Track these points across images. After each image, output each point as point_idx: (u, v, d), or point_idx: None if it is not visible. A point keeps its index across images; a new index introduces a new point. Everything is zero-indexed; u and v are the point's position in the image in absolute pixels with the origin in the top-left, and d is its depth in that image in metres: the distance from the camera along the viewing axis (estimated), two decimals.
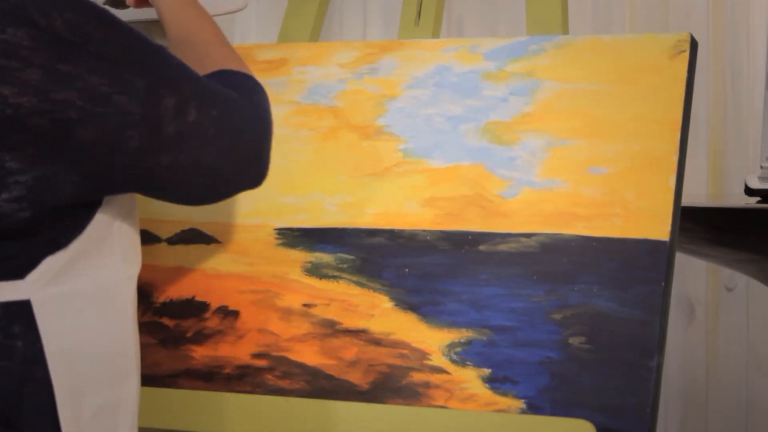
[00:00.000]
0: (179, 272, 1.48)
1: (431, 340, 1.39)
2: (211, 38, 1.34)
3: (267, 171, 1.24)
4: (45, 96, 1.08)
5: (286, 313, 1.45)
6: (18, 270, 1.12)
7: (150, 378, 1.46)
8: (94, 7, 1.13)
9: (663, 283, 1.33)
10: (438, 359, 1.38)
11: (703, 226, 1.81)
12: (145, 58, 1.14)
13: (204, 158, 1.17)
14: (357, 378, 1.39)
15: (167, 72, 1.16)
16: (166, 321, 1.47)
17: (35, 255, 1.13)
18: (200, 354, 1.46)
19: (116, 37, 1.13)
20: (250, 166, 1.21)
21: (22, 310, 1.12)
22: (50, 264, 1.14)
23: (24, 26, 1.07)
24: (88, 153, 1.11)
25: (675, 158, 1.38)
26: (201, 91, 1.17)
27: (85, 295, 1.17)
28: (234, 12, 1.56)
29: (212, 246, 1.52)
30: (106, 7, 1.37)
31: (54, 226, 1.13)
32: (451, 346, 1.38)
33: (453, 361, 1.37)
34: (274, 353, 1.43)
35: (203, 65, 1.28)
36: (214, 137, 1.17)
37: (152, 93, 1.13)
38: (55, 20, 1.08)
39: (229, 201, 1.31)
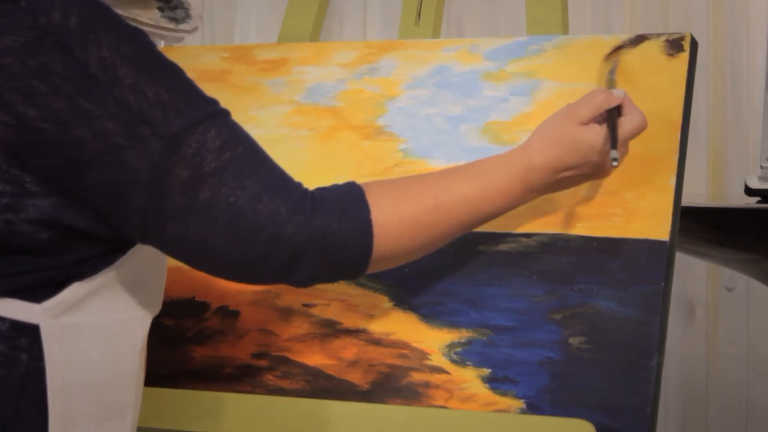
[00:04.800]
0: (179, 272, 1.48)
1: (431, 340, 1.39)
2: (461, 198, 1.24)
3: (301, 279, 1.17)
4: (65, 128, 1.06)
5: (286, 313, 1.45)
6: (35, 289, 1.11)
7: (150, 378, 1.46)
8: (139, 52, 1.09)
9: (663, 283, 1.33)
10: (438, 359, 1.38)
11: (703, 226, 1.81)
12: (172, 118, 1.09)
13: (211, 240, 1.12)
14: (357, 378, 1.39)
15: (196, 138, 1.09)
16: (166, 321, 1.47)
17: (56, 277, 1.12)
18: (200, 354, 1.46)
19: (148, 88, 1.08)
20: (267, 264, 1.14)
21: (31, 330, 1.12)
22: (70, 293, 1.13)
23: (62, 54, 1.06)
24: (98, 196, 1.09)
25: (675, 158, 1.38)
26: (228, 171, 1.10)
27: (93, 328, 1.15)
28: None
29: None
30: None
31: (79, 253, 1.12)
32: (451, 346, 1.38)
33: (453, 361, 1.37)
34: (274, 353, 1.43)
35: (414, 191, 1.22)
36: (223, 224, 1.11)
37: (167, 158, 1.08)
38: (91, 55, 1.06)
39: None
